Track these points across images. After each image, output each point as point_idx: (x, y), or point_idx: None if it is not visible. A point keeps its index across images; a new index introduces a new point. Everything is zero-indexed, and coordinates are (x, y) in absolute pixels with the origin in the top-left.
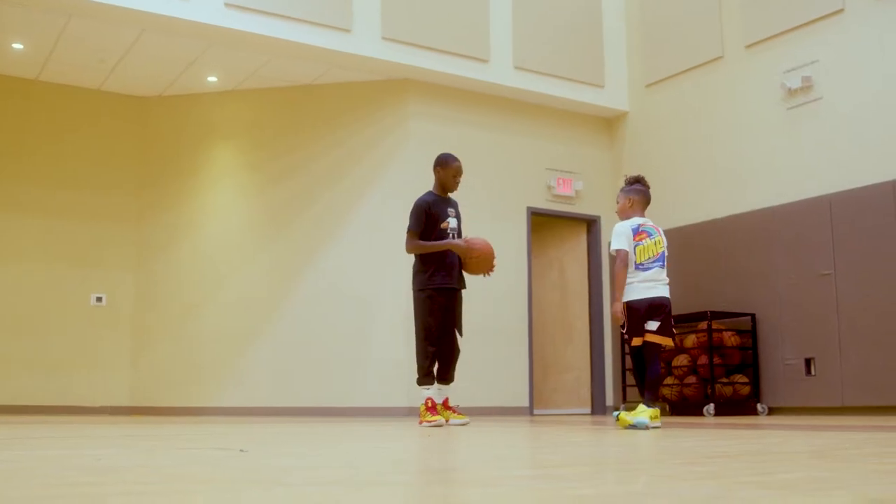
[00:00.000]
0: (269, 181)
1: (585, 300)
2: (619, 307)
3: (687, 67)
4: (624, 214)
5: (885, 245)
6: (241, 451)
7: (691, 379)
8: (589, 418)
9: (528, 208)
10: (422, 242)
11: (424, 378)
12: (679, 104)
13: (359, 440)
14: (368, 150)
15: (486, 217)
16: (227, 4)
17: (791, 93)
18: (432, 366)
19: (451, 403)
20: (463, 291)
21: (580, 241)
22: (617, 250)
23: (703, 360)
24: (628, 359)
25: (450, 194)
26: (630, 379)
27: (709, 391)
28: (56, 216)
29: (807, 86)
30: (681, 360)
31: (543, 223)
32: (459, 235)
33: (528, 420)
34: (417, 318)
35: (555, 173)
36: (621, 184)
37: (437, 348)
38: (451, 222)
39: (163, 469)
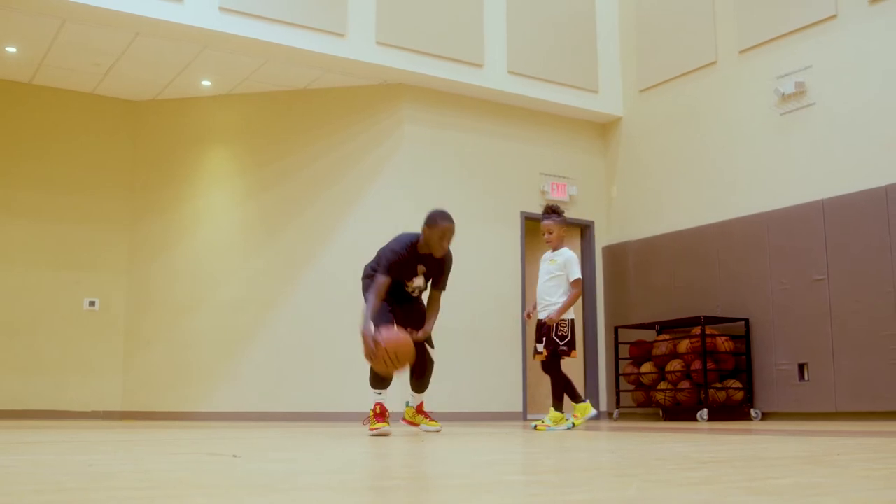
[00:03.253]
0: (262, 185)
1: (579, 305)
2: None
3: (681, 73)
4: (559, 243)
5: (877, 250)
6: (234, 456)
7: (685, 384)
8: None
9: (522, 213)
10: (370, 301)
11: (375, 381)
12: (673, 109)
13: (351, 445)
14: (363, 154)
15: (479, 221)
16: (221, 8)
17: (784, 98)
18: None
19: (426, 408)
20: (458, 295)
21: (574, 246)
22: (580, 279)
23: (696, 365)
24: (622, 364)
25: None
26: (624, 384)
27: (702, 396)
28: (49, 220)
29: (800, 91)
30: (674, 366)
31: (537, 228)
32: (422, 290)
33: (521, 425)
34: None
35: (549, 178)
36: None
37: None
38: (417, 281)
39: (155, 474)
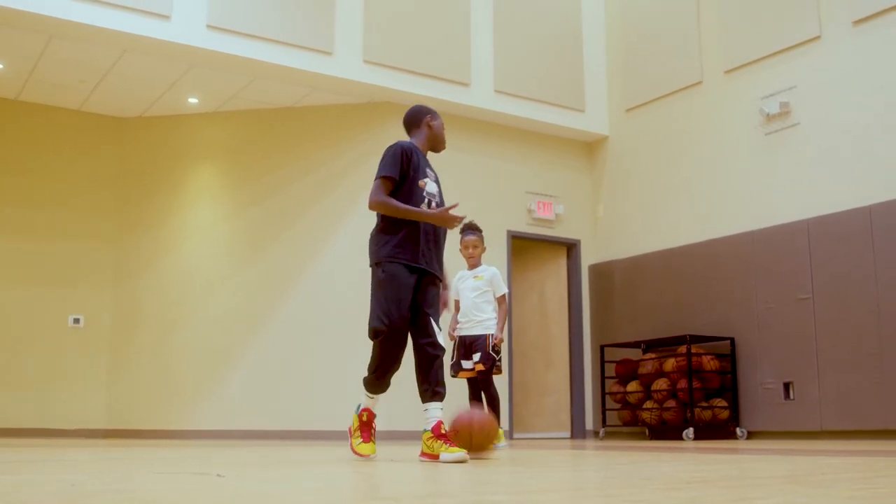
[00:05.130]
0: (249, 202)
1: (565, 324)
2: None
3: (667, 92)
4: (479, 259)
5: (861, 270)
6: (218, 475)
7: (671, 403)
8: (569, 442)
9: (509, 232)
10: (392, 200)
11: (371, 385)
12: (659, 129)
13: (338, 464)
14: (349, 172)
15: None
16: (209, 26)
17: (769, 118)
18: (381, 378)
19: (444, 429)
20: (444, 314)
21: (560, 265)
22: (506, 294)
23: (682, 383)
24: (608, 382)
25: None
26: (610, 403)
27: (688, 415)
28: (34, 236)
29: (784, 111)
30: (660, 384)
31: (524, 247)
32: (439, 207)
33: (507, 444)
34: (373, 305)
35: (535, 197)
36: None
37: (395, 353)
38: (430, 186)
39: (138, 494)
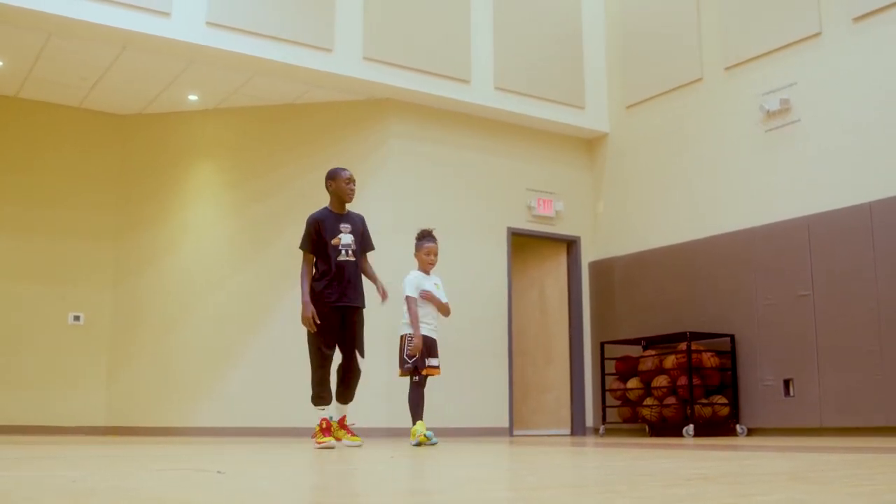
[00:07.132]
0: (249, 200)
1: (566, 321)
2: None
3: (667, 89)
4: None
5: (862, 266)
6: (219, 472)
7: (671, 400)
8: (569, 439)
9: (509, 229)
10: (303, 280)
11: (317, 399)
12: (659, 126)
13: (335, 461)
14: (350, 169)
15: (466, 237)
16: (208, 23)
17: (769, 115)
18: (324, 389)
19: (349, 421)
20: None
21: (560, 262)
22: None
23: (682, 380)
24: (609, 379)
25: (350, 209)
26: (610, 400)
27: (688, 412)
28: (34, 234)
29: (785, 108)
30: (660, 381)
31: (524, 244)
32: (356, 252)
33: (507, 441)
34: (308, 337)
35: (535, 194)
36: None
37: (326, 369)
38: (344, 238)
39: (139, 491)
